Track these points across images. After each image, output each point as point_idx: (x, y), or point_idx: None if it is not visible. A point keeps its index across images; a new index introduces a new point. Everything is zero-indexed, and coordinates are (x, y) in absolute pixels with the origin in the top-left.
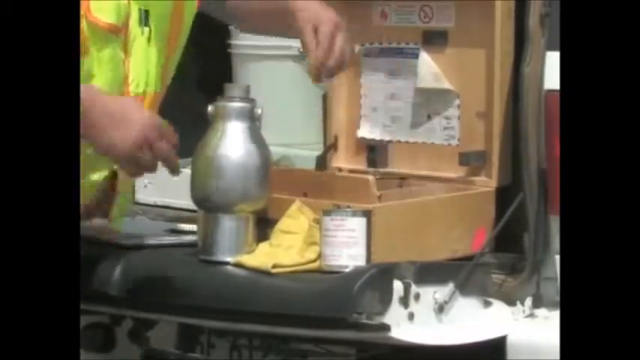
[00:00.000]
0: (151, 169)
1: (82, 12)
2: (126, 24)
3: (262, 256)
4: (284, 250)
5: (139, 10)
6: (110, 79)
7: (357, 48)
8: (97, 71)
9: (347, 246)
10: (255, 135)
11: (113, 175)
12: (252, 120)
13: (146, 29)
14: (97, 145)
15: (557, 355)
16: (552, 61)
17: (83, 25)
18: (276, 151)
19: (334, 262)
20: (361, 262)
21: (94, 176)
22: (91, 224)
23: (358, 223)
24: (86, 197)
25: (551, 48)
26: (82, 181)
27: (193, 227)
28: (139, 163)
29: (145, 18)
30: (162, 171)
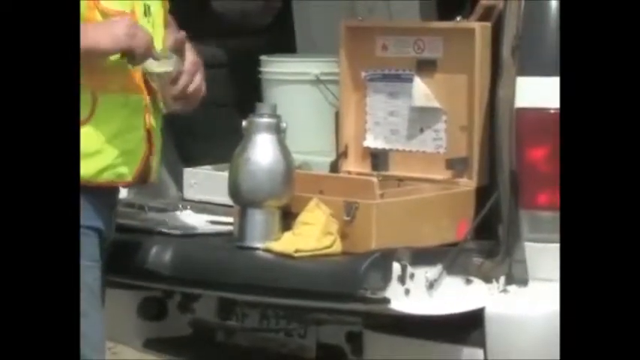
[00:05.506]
0: (144, 57)
1: (91, 4)
2: (132, 13)
3: (286, 243)
4: (304, 238)
5: (144, 4)
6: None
7: (363, 74)
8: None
9: None
10: (281, 144)
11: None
12: (278, 132)
13: (150, 19)
14: (84, 45)
15: (526, 323)
16: (522, 84)
17: (96, 14)
18: (297, 157)
19: None
20: None
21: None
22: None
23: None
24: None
25: (521, 74)
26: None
27: (230, 219)
28: (131, 48)
29: (148, 10)
30: (206, 175)
